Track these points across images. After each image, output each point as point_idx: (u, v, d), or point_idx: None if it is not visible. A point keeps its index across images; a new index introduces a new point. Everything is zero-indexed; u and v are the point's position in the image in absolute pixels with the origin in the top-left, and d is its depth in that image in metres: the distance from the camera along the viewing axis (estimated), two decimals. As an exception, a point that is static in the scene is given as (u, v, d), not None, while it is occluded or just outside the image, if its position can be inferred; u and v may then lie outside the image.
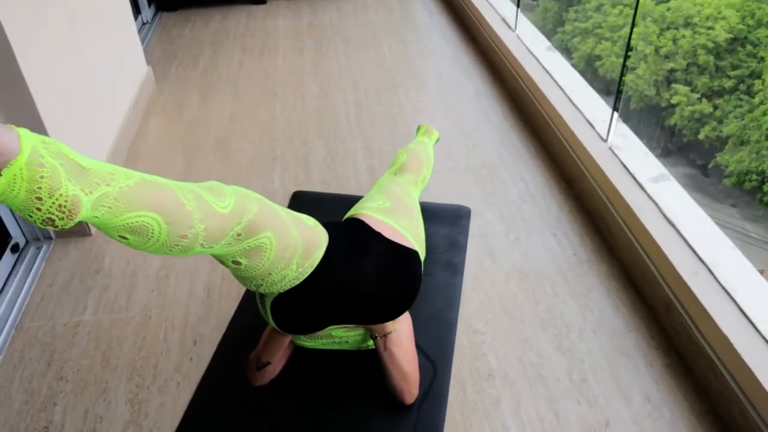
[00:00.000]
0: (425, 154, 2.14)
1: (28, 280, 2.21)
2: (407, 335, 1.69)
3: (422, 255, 1.70)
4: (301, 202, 2.48)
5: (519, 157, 2.71)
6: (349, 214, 1.74)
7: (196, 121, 3.09)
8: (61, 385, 1.84)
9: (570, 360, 1.81)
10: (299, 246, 1.32)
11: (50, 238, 2.37)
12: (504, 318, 1.94)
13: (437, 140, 2.40)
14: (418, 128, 2.42)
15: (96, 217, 0.98)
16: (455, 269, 2.11)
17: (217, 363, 1.84)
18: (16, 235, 2.30)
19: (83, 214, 0.95)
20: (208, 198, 1.13)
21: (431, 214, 2.35)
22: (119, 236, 1.03)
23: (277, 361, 1.71)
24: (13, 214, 2.27)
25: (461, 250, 2.20)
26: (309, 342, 1.67)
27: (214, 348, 1.88)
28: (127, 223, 1.01)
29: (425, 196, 2.44)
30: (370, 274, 1.50)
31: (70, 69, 2.38)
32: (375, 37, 3.99)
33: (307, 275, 1.38)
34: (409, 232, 1.66)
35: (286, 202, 2.47)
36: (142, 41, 3.88)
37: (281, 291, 1.39)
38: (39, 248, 2.34)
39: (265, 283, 1.33)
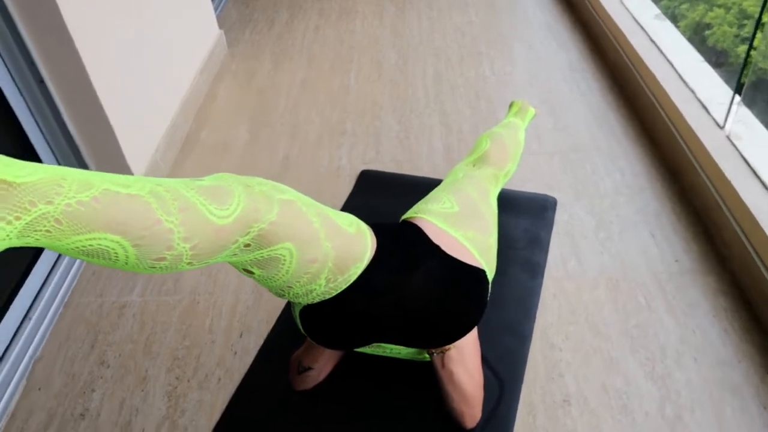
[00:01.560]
0: (514, 141, 1.84)
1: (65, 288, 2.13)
2: (471, 351, 1.46)
3: (491, 273, 1.45)
4: (368, 182, 2.27)
5: (616, 142, 2.37)
6: (408, 214, 1.50)
7: (266, 88, 2.93)
8: (101, 371, 1.74)
9: (663, 391, 1.52)
10: (330, 259, 1.11)
11: (108, 209, 2.29)
12: (587, 333, 1.68)
13: (532, 119, 2.11)
14: (511, 105, 2.13)
15: (28, 243, 0.78)
16: (535, 270, 1.85)
17: (260, 361, 1.69)
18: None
19: None
20: (204, 206, 0.90)
21: (511, 203, 2.09)
22: (76, 256, 0.83)
23: (321, 367, 1.54)
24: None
25: (543, 247, 1.93)
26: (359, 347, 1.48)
27: (260, 343, 1.73)
28: (78, 247, 0.80)
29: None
30: (419, 294, 1.28)
31: (130, 29, 2.26)
32: (462, 0, 3.69)
33: (340, 291, 1.18)
34: (476, 246, 1.41)
35: (353, 181, 2.27)
36: (219, 4, 3.76)
37: (309, 303, 1.19)
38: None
39: (287, 294, 1.13)
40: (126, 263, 0.86)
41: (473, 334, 1.50)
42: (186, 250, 0.87)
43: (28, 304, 1.88)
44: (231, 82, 3.02)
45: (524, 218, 2.03)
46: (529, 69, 2.89)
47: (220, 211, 0.90)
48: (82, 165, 2.14)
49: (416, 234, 1.37)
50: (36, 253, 1.96)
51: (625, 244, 1.93)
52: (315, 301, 1.18)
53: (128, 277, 2.01)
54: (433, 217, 1.43)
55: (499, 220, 2.04)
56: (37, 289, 1.93)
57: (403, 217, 1.49)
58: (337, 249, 1.11)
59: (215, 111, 2.80)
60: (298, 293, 1.13)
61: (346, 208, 2.15)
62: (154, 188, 0.86)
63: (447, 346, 1.46)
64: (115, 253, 0.83)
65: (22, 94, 1.92)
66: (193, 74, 2.81)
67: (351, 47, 3.21)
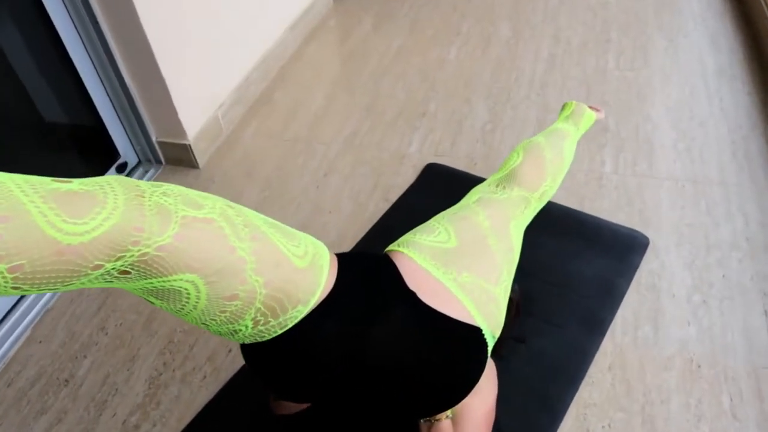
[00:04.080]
0: (558, 156, 1.43)
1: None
2: (475, 425, 1.17)
3: (493, 330, 1.11)
4: (432, 177, 1.97)
5: (750, 180, 1.87)
6: (392, 245, 1.20)
7: (358, 52, 2.66)
8: (99, 337, 1.64)
9: None
10: (259, 299, 0.84)
11: (160, 162, 2.18)
12: (639, 429, 1.31)
13: (591, 126, 1.69)
14: (564, 107, 1.70)
15: None
16: (596, 327, 1.49)
17: (248, 372, 1.49)
18: (127, 155, 2.14)
19: None
20: (43, 215, 0.64)
21: (590, 233, 1.71)
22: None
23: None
24: (125, 131, 2.10)
25: (616, 300, 1.55)
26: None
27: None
28: (146, 288, 0.76)
29: (584, 202, 1.79)
30: (382, 353, 0.99)
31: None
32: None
33: (275, 335, 0.92)
34: (469, 295, 1.07)
35: (416, 173, 1.98)
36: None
37: (239, 341, 0.95)
38: (146, 171, 2.17)
39: (208, 329, 0.89)
40: (195, 308, 0.80)
41: (485, 401, 1.20)
42: (2, 273, 0.62)
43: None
44: (323, 40, 2.79)
45: (602, 257, 1.64)
46: (663, 67, 2.38)
47: (69, 225, 0.65)
48: (135, 111, 2.03)
49: (390, 275, 1.06)
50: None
51: (725, 318, 1.49)
52: (244, 342, 0.94)
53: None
54: (416, 251, 1.11)
55: (570, 251, 1.68)
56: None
57: (388, 248, 1.19)
58: (272, 286, 0.84)
59: (297, 71, 2.59)
60: (219, 331, 0.88)
61: (398, 204, 1.88)
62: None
63: (437, 416, 1.18)
64: (188, 294, 0.78)
65: (79, 34, 1.82)
66: (282, 30, 2.60)
67: (462, 15, 2.85)
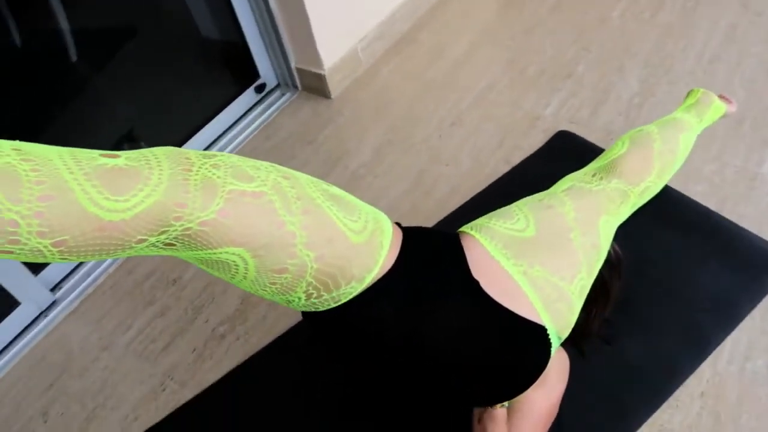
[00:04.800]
0: (669, 150, 1.26)
1: (255, 124, 2.14)
2: (531, 420, 1.13)
3: (560, 331, 1.04)
4: (561, 145, 1.84)
5: None
6: (465, 226, 1.13)
7: (514, 1, 2.50)
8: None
9: None
10: (310, 273, 0.83)
11: (296, 87, 2.23)
12: (718, 465, 1.19)
13: (718, 119, 1.49)
14: (689, 94, 1.51)
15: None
16: (699, 346, 1.35)
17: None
18: (266, 76, 2.21)
19: None
20: (85, 192, 0.65)
21: (723, 241, 1.53)
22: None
23: None
24: (267, 54, 2.16)
25: (732, 323, 1.39)
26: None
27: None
28: (199, 258, 0.79)
29: (726, 204, 1.59)
30: (434, 337, 0.96)
31: None
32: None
33: (329, 308, 0.92)
34: (538, 290, 1.00)
35: (546, 138, 1.87)
36: None
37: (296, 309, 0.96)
38: (283, 94, 2.24)
39: (263, 296, 0.90)
40: (245, 278, 0.81)
41: (548, 396, 1.15)
42: (47, 247, 0.65)
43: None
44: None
45: (731, 271, 1.46)
46: None
47: (111, 202, 0.66)
48: (277, 35, 2.08)
49: (455, 259, 1.01)
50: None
51: None
52: (301, 310, 0.95)
53: (279, 162, 1.97)
54: (488, 238, 1.04)
55: (694, 256, 1.50)
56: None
57: (461, 228, 1.13)
58: (323, 261, 0.83)
59: (447, 12, 2.48)
60: (274, 300, 0.90)
61: (519, 168, 1.79)
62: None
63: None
64: (236, 266, 0.78)
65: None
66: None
67: (643, -31, 2.56)
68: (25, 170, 0.62)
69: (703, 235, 1.55)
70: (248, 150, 2.07)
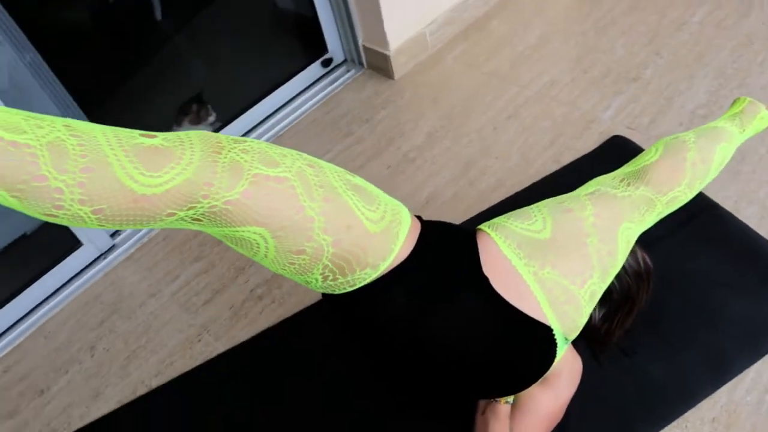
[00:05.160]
0: (703, 160, 1.23)
1: (317, 97, 2.21)
2: (536, 417, 1.16)
3: (564, 333, 1.06)
4: (613, 150, 1.82)
5: None
6: (483, 225, 1.15)
7: (597, -7, 2.44)
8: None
9: None
10: (327, 256, 0.89)
11: (362, 65, 2.28)
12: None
13: (759, 131, 1.42)
14: (734, 102, 1.45)
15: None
16: (720, 371, 1.33)
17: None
18: (334, 52, 2.26)
19: None
20: (122, 165, 0.73)
21: (759, 261, 1.49)
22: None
23: None
24: (336, 29, 2.21)
25: (759, 352, 1.36)
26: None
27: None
28: (224, 234, 0.86)
29: (759, 223, 1.53)
30: (440, 330, 1.00)
31: None
32: None
33: (344, 292, 0.97)
34: (547, 291, 1.03)
35: (600, 141, 1.84)
36: None
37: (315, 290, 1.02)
38: (348, 70, 2.28)
39: (284, 275, 0.96)
40: (266, 256, 0.87)
41: (555, 398, 1.18)
42: (87, 214, 0.73)
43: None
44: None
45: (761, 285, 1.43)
46: None
47: (145, 177, 0.74)
48: (347, 12, 2.12)
49: (468, 256, 1.05)
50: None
51: None
52: (320, 291, 1.01)
53: (331, 139, 2.04)
54: (502, 237, 1.07)
55: (733, 280, 1.47)
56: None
57: (479, 226, 1.15)
58: (340, 246, 0.89)
59: (519, 4, 2.45)
60: (295, 279, 0.96)
61: (567, 169, 1.78)
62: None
63: (495, 398, 1.18)
64: (257, 244, 0.84)
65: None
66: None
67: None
68: (72, 144, 0.70)
69: (747, 260, 1.51)
70: (308, 121, 2.14)
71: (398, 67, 2.20)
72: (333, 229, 0.88)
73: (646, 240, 1.30)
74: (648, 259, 1.35)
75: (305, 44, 2.28)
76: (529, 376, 1.09)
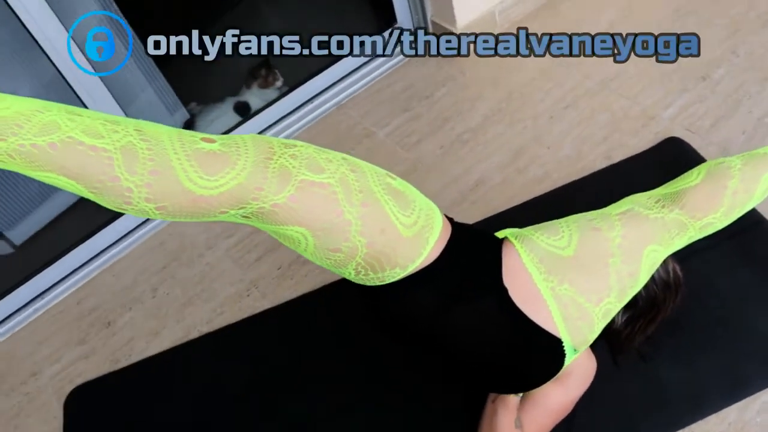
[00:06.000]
0: (746, 189, 1.22)
1: (382, 68, 2.25)
2: (541, 411, 1.24)
3: (574, 345, 1.13)
4: (668, 152, 1.80)
5: None
6: (509, 230, 1.21)
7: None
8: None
9: None
10: (360, 255, 0.99)
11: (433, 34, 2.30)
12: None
13: None
14: None
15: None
16: (735, 388, 1.36)
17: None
18: (403, 23, 2.29)
19: None
20: (183, 168, 0.84)
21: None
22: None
23: None
24: (407, 2, 2.23)
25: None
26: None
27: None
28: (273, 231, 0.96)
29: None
30: (452, 333, 1.09)
31: None
32: None
33: (374, 286, 1.06)
34: (561, 307, 1.09)
35: (655, 141, 1.83)
36: None
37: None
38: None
39: (322, 265, 1.06)
40: (306, 250, 0.98)
41: (565, 394, 1.25)
42: (152, 209, 0.85)
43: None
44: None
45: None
46: None
47: (203, 180, 0.84)
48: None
49: (491, 264, 1.12)
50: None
51: None
52: (356, 282, 1.11)
53: (389, 114, 2.11)
54: (527, 250, 1.14)
55: (763, 302, 1.47)
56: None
57: (507, 233, 1.21)
58: (373, 248, 0.98)
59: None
60: (331, 270, 1.06)
61: (616, 167, 1.79)
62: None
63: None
64: (299, 241, 0.95)
65: None
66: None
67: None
68: (142, 149, 0.82)
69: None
70: (371, 92, 2.20)
71: (464, 45, 2.21)
72: (368, 232, 0.97)
73: (685, 250, 1.31)
74: (679, 270, 1.36)
75: (376, 14, 2.32)
76: (536, 381, 1.17)
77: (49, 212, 2.10)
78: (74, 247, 1.91)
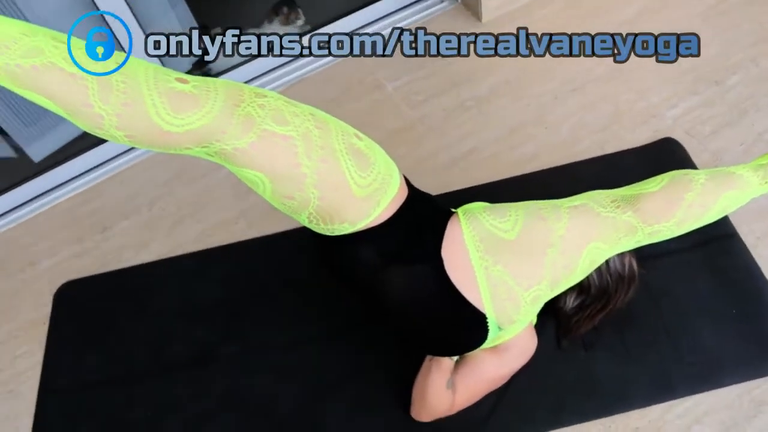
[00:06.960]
0: (702, 205, 1.23)
1: (406, 21, 2.26)
2: (474, 374, 1.34)
3: (498, 323, 1.21)
4: (661, 152, 1.82)
5: None
6: (462, 208, 1.29)
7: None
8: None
9: None
10: (312, 206, 1.07)
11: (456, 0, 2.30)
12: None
13: None
14: (765, 154, 1.34)
15: None
16: (661, 391, 1.44)
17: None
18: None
19: None
20: (154, 105, 0.92)
21: (758, 310, 1.53)
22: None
23: None
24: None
25: (706, 386, 1.44)
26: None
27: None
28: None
29: None
30: (389, 290, 1.18)
31: None
32: None
33: (326, 235, 1.15)
34: (490, 287, 1.17)
35: (652, 139, 1.84)
36: None
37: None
38: (441, 1, 2.31)
39: (279, 209, 1.14)
40: (263, 193, 1.05)
41: (501, 365, 1.34)
42: (121, 136, 0.93)
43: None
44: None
45: (745, 339, 1.47)
46: None
47: (170, 117, 0.92)
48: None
49: (435, 234, 1.20)
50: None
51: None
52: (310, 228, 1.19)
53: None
54: (471, 228, 1.21)
55: (717, 311, 1.52)
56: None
57: (460, 208, 1.29)
58: (325, 201, 1.06)
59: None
60: (288, 214, 1.13)
61: (606, 159, 1.82)
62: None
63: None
64: (257, 184, 1.03)
65: None
66: None
67: None
68: (117, 81, 0.90)
69: (740, 298, 1.54)
70: (390, 45, 2.22)
71: (488, 11, 2.20)
72: (322, 186, 1.05)
73: (655, 251, 1.39)
74: (635, 265, 1.41)
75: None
76: (459, 350, 1.27)
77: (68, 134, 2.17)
78: (86, 151, 2.02)
